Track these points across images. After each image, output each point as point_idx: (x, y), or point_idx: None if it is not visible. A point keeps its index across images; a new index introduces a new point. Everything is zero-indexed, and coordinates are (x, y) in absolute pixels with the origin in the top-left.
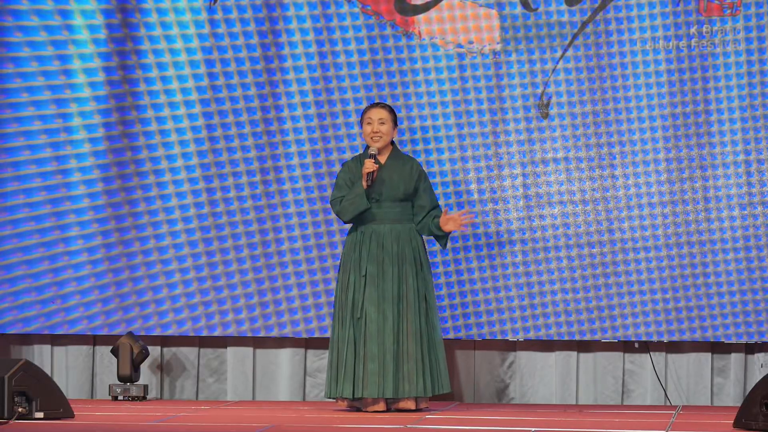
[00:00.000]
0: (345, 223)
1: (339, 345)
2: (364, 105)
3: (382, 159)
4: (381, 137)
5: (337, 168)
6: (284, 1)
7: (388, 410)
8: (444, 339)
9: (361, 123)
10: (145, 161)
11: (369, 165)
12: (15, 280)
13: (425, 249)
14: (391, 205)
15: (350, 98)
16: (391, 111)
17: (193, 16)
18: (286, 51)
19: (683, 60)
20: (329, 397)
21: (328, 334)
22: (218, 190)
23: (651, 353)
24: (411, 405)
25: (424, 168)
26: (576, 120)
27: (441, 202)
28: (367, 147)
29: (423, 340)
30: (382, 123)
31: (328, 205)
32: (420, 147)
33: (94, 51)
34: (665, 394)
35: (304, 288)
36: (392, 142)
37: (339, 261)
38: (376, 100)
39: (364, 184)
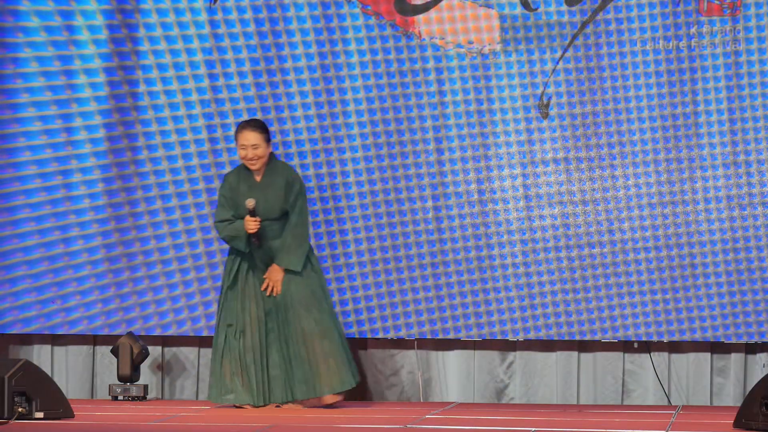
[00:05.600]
0: None
1: (224, 352)
2: (365, 105)
3: (258, 177)
4: (256, 161)
5: (338, 168)
6: (284, 1)
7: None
8: (444, 339)
9: (235, 140)
10: (145, 162)
11: (251, 225)
12: (15, 281)
13: (311, 252)
14: (268, 224)
15: (350, 98)
16: (263, 130)
17: (193, 17)
18: (286, 51)
19: (683, 60)
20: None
21: None
22: (218, 191)
23: (651, 353)
24: (298, 406)
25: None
26: (576, 120)
27: (441, 203)
28: (243, 166)
29: (309, 343)
30: (256, 148)
31: (328, 205)
32: (420, 147)
33: (95, 52)
34: (665, 394)
35: None
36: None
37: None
38: (249, 119)
39: (252, 242)
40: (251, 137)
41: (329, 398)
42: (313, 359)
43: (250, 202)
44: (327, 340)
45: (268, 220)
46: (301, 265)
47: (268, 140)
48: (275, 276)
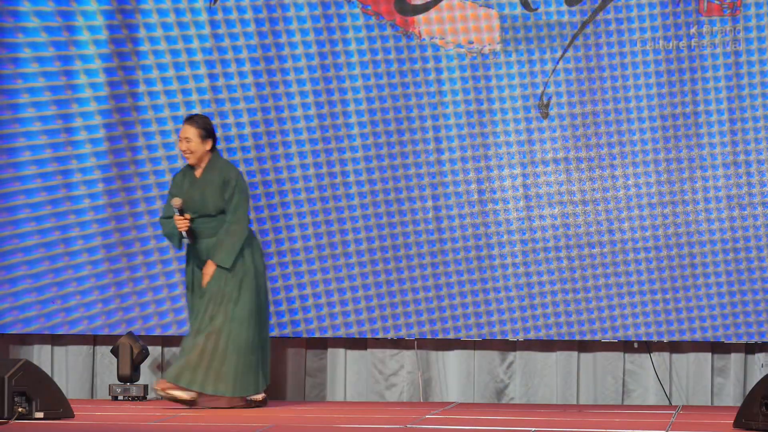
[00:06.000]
0: None
1: None
2: (365, 105)
3: (198, 174)
4: (190, 155)
5: (338, 168)
6: (284, 1)
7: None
8: (444, 339)
9: None
10: (145, 162)
11: (179, 223)
12: (16, 281)
13: (253, 251)
14: (204, 221)
15: (350, 98)
16: (199, 125)
17: (193, 17)
18: (286, 51)
19: (683, 60)
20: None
21: (328, 334)
22: None
23: (651, 353)
24: (184, 396)
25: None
26: (576, 120)
27: (441, 203)
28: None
29: (197, 336)
30: (189, 141)
31: (329, 205)
32: (420, 147)
33: (95, 52)
34: (666, 394)
35: (304, 288)
36: (213, 150)
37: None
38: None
39: (185, 239)
40: (186, 130)
41: (162, 385)
42: (189, 352)
43: (176, 201)
44: (209, 341)
45: (203, 217)
46: (231, 262)
47: (204, 137)
48: (206, 270)
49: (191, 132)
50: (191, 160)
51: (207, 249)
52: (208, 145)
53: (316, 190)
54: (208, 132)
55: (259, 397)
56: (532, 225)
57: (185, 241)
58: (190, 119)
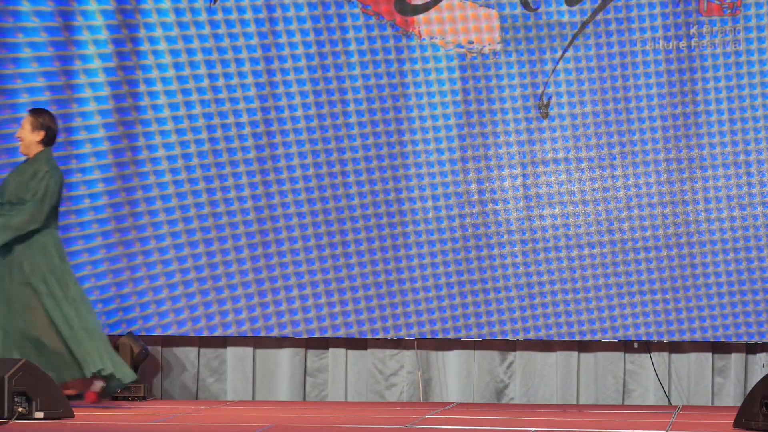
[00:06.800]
0: None
1: None
2: (365, 105)
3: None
4: (20, 143)
5: (338, 168)
6: (284, 1)
7: None
8: (444, 339)
9: None
10: (145, 162)
11: None
12: None
13: (45, 246)
14: (9, 208)
15: (350, 98)
16: (35, 116)
17: (193, 17)
18: (286, 51)
19: (683, 60)
20: None
21: (328, 334)
22: (218, 191)
23: (651, 353)
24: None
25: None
26: (576, 120)
27: (441, 203)
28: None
29: (47, 332)
30: (22, 129)
31: (329, 205)
32: (420, 147)
33: (95, 52)
34: (666, 394)
35: (304, 288)
36: (46, 146)
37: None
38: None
39: None
40: (24, 119)
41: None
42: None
43: None
44: None
45: (8, 204)
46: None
47: (36, 128)
48: None
49: (26, 120)
50: (21, 148)
51: None
52: (37, 137)
53: (316, 190)
54: (41, 125)
55: (72, 391)
56: (532, 225)
57: None
58: (31, 110)
